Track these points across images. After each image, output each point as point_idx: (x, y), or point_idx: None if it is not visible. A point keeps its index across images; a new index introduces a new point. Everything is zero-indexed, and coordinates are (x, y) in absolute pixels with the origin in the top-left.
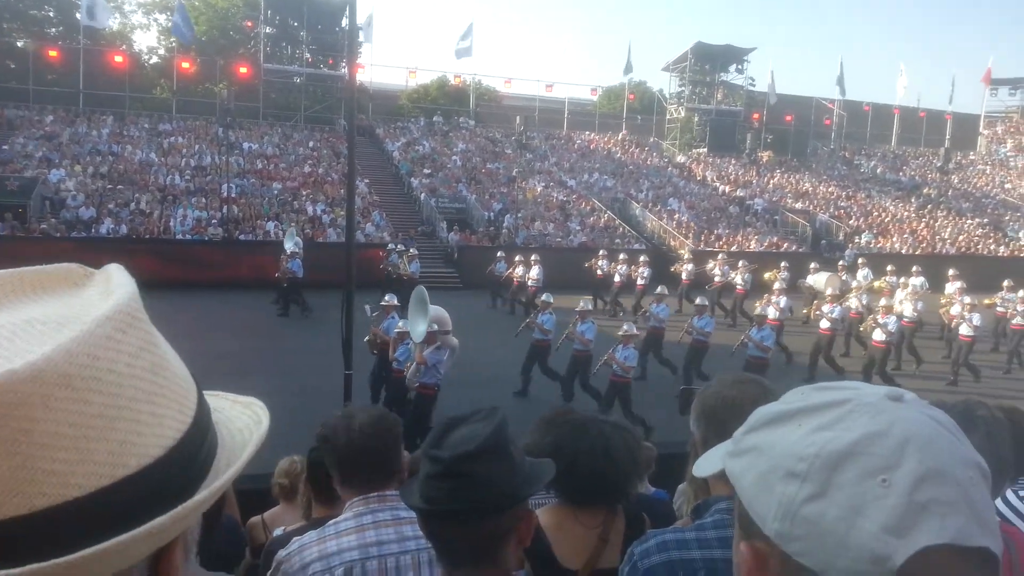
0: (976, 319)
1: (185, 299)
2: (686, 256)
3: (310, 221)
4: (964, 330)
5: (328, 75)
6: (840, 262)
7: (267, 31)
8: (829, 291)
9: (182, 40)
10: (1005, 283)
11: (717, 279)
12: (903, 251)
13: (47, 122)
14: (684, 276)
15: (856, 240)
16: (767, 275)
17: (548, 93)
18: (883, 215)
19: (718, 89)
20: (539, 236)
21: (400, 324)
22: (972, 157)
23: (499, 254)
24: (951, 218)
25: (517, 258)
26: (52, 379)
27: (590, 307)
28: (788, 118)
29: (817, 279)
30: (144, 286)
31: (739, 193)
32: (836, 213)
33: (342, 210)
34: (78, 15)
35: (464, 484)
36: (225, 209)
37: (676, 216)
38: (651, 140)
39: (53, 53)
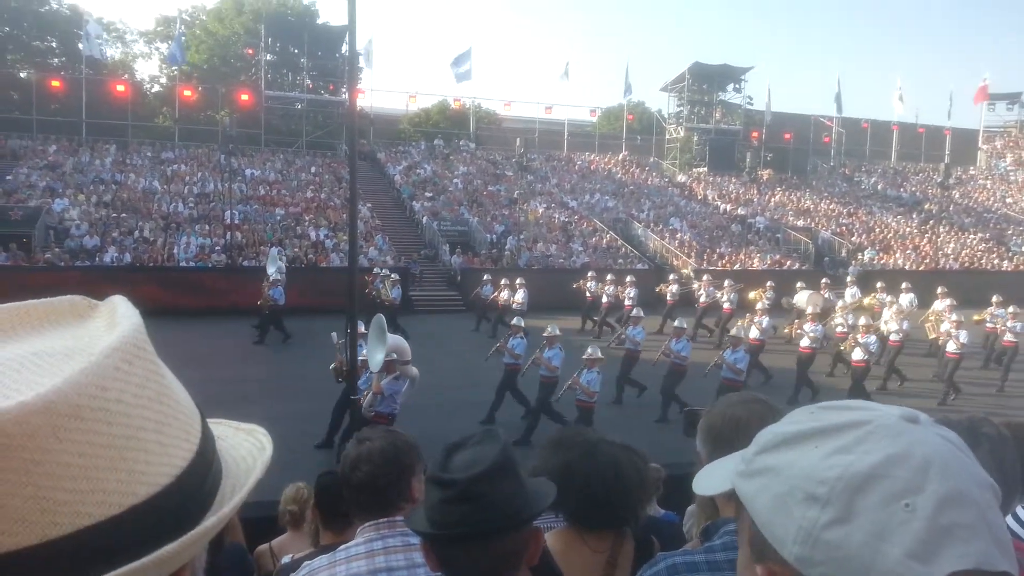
0: (963, 336)
1: (189, 326)
2: (671, 276)
3: (313, 246)
4: (951, 347)
5: (329, 101)
6: (848, 277)
7: (268, 58)
8: (810, 309)
9: (172, 64)
10: (994, 298)
11: (703, 300)
12: (906, 267)
13: (50, 152)
14: (669, 297)
15: (859, 257)
16: (751, 295)
17: (547, 115)
18: (885, 231)
19: (716, 108)
20: (542, 257)
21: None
22: (972, 172)
23: (485, 277)
24: (954, 233)
25: (503, 281)
26: (62, 410)
27: (557, 332)
28: (787, 136)
29: (799, 297)
30: (148, 314)
31: (740, 211)
32: (838, 230)
33: (345, 235)
34: (80, 45)
35: (479, 506)
36: (228, 236)
37: (678, 235)
38: (651, 160)
39: (56, 83)
